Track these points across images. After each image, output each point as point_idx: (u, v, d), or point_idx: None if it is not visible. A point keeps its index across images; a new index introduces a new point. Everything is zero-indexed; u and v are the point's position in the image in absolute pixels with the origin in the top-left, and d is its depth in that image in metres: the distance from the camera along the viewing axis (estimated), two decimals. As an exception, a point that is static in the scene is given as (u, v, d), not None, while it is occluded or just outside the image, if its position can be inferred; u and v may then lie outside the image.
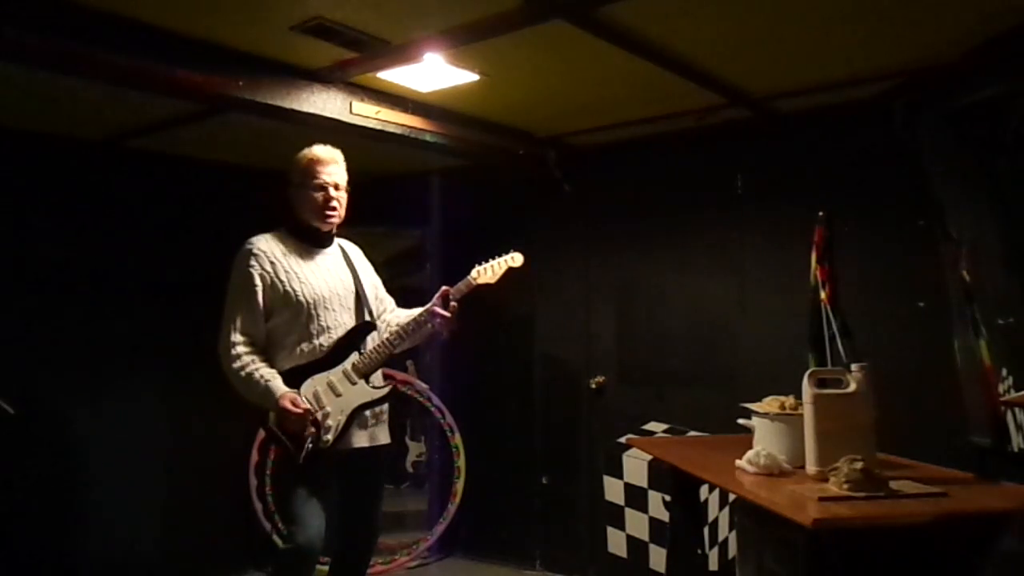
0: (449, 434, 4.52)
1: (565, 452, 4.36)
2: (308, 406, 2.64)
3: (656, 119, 3.72)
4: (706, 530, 3.70)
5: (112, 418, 3.94)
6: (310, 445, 2.64)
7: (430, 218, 4.84)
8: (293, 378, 2.71)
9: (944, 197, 3.03)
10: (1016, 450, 2.56)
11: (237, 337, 2.68)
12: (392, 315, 3.03)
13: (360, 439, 2.78)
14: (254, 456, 4.22)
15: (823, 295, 2.71)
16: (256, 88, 2.95)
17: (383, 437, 2.87)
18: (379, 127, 3.38)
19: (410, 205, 4.87)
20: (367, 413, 2.80)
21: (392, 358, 2.87)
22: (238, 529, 4.24)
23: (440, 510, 4.52)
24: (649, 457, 3.92)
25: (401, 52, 2.85)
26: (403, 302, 3.11)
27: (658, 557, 3.95)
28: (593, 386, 4.26)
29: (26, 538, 3.66)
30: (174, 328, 4.14)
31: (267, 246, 2.77)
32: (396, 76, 3.12)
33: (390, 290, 3.14)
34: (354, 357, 2.80)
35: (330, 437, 2.70)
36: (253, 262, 2.72)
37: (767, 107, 3.54)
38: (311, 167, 2.78)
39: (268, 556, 2.80)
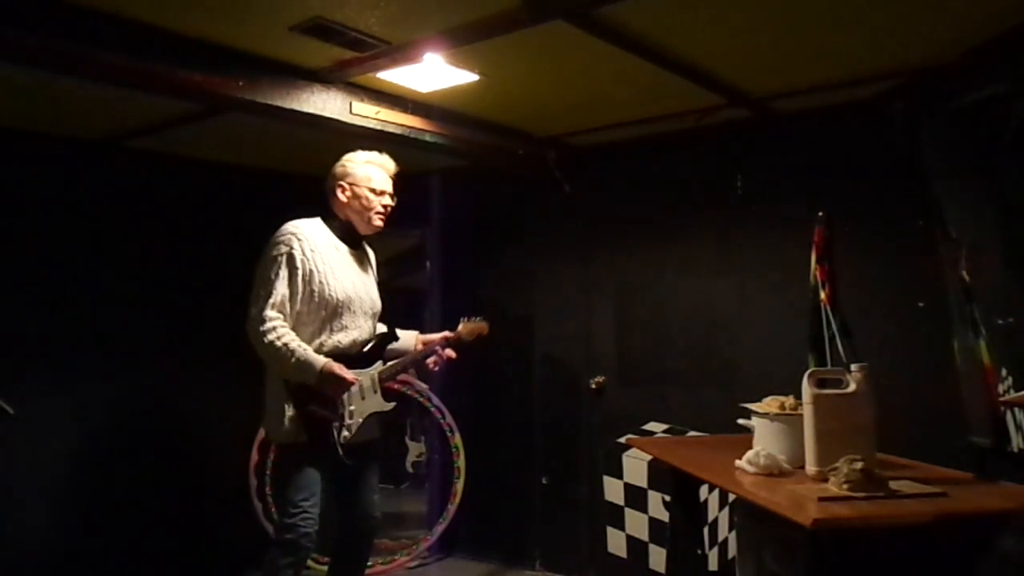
0: (449, 434, 4.51)
1: (565, 452, 4.36)
2: (352, 376, 2.73)
3: (656, 119, 3.72)
4: (706, 530, 3.70)
5: (111, 418, 3.94)
6: (335, 435, 2.73)
7: (430, 218, 4.84)
8: None
9: (944, 197, 3.03)
10: (1016, 450, 2.56)
11: (272, 312, 2.67)
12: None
13: (351, 437, 2.83)
14: (254, 456, 4.23)
15: (823, 295, 2.71)
16: (256, 88, 2.95)
17: (374, 432, 2.94)
18: (379, 127, 3.38)
19: (410, 205, 4.83)
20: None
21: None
22: (237, 529, 4.24)
23: (440, 510, 4.52)
24: (649, 457, 3.92)
25: (401, 52, 2.85)
26: (403, 302, 3.16)
27: (658, 557, 3.95)
28: (593, 386, 4.26)
29: (23, 538, 3.66)
30: (174, 328, 4.15)
31: (312, 233, 2.81)
32: (396, 76, 3.12)
33: (390, 289, 3.19)
34: (379, 366, 2.88)
35: (350, 435, 2.77)
36: (297, 245, 2.73)
37: (767, 107, 3.54)
38: (374, 171, 2.88)
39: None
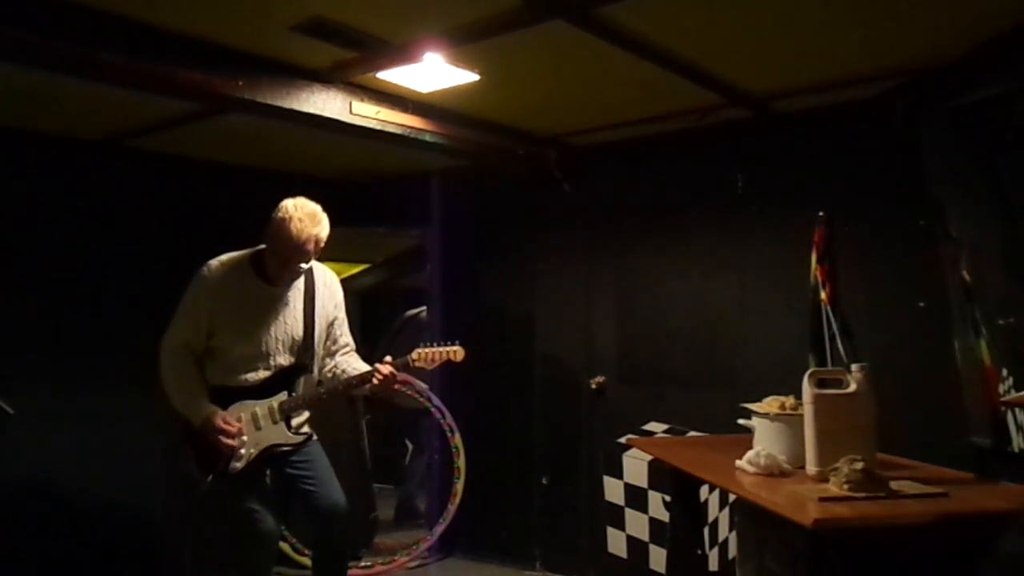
0: (449, 434, 4.51)
1: (565, 452, 4.36)
2: (239, 425, 2.78)
3: (656, 119, 3.72)
4: (706, 530, 3.70)
5: (111, 418, 3.93)
6: (222, 465, 2.78)
7: (430, 218, 4.84)
8: (220, 397, 2.82)
9: (944, 197, 3.03)
10: (1016, 450, 2.56)
11: (177, 343, 2.83)
12: (343, 358, 3.07)
13: (243, 466, 2.88)
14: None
15: (823, 295, 2.71)
16: (256, 88, 2.95)
17: (301, 436, 2.97)
18: (379, 127, 3.38)
19: (410, 205, 4.87)
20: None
21: (320, 405, 3.01)
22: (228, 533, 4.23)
23: (440, 510, 4.52)
24: (649, 457, 3.92)
25: (401, 52, 2.85)
26: (403, 302, 3.13)
27: (658, 557, 3.95)
28: (593, 386, 4.26)
29: (20, 538, 3.66)
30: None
31: (223, 276, 2.85)
32: (396, 76, 3.12)
33: (390, 290, 3.17)
34: (282, 396, 2.89)
35: (239, 465, 2.81)
36: (206, 288, 2.84)
37: (767, 107, 3.54)
38: (286, 242, 2.76)
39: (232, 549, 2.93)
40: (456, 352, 3.04)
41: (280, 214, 2.76)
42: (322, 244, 2.84)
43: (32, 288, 3.74)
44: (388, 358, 2.95)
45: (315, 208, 2.81)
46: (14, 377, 3.45)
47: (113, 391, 3.95)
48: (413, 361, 2.99)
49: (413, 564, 4.44)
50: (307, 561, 4.21)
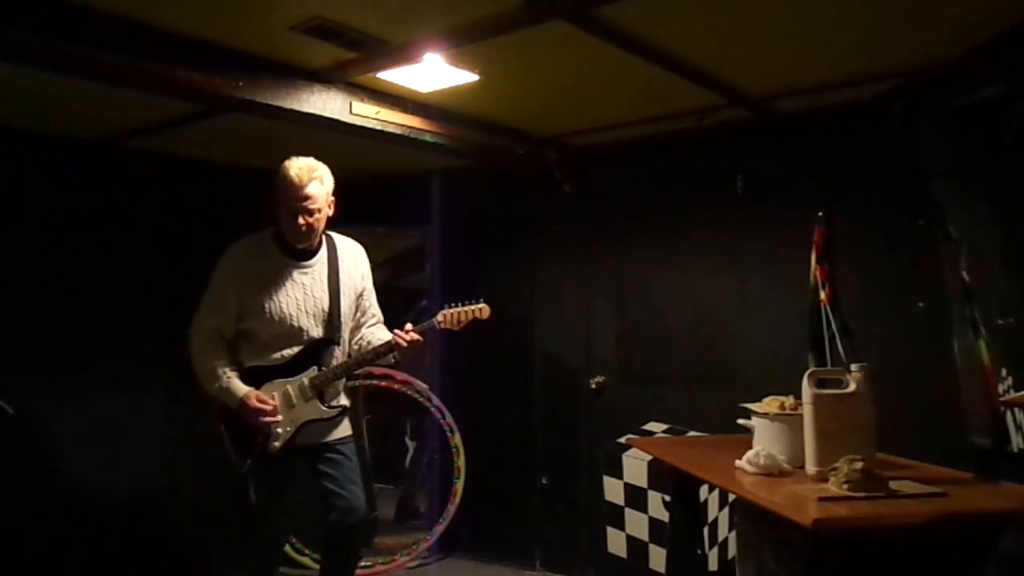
0: (449, 434, 4.51)
1: (565, 452, 4.36)
2: (275, 403, 2.78)
3: (656, 119, 3.72)
4: (706, 530, 3.70)
5: (111, 418, 3.93)
6: (260, 446, 2.78)
7: (430, 218, 4.84)
8: (251, 378, 2.83)
9: (944, 197, 3.03)
10: (1016, 450, 2.57)
11: (207, 328, 2.85)
12: (369, 330, 3.05)
13: (315, 436, 2.89)
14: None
15: (823, 295, 2.71)
16: (256, 88, 2.95)
17: (341, 432, 2.96)
18: (379, 127, 3.38)
19: (410, 205, 4.87)
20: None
21: (350, 376, 3.01)
22: (237, 528, 4.23)
23: (440, 510, 4.52)
24: (649, 457, 3.92)
25: (401, 52, 2.85)
26: (403, 302, 3.13)
27: (658, 557, 3.95)
28: (593, 386, 4.26)
29: (19, 537, 3.66)
30: (173, 328, 4.12)
31: (249, 255, 2.86)
32: (396, 76, 3.12)
33: (391, 290, 3.16)
34: (312, 371, 2.88)
35: (278, 444, 2.82)
36: (233, 269, 2.84)
37: (767, 107, 3.54)
38: (286, 191, 2.77)
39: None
40: (482, 310, 2.95)
41: (278, 177, 2.79)
42: (330, 197, 2.85)
43: (32, 288, 3.74)
44: (409, 325, 2.87)
45: (310, 159, 2.83)
46: (14, 377, 3.46)
47: (115, 390, 3.96)
48: (439, 323, 2.91)
49: (413, 564, 4.44)
50: (307, 561, 4.22)
